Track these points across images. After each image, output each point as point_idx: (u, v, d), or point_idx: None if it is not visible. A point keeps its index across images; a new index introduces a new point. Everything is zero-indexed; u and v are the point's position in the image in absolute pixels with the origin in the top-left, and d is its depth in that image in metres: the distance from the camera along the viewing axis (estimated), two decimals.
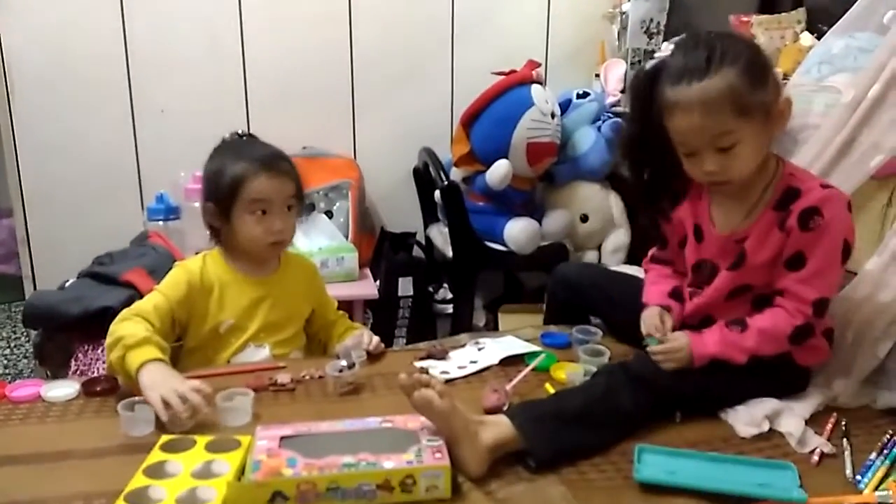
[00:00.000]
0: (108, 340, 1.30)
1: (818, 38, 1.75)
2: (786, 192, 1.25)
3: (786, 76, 1.75)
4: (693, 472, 1.06)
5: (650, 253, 1.52)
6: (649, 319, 1.33)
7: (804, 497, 1.00)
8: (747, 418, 1.21)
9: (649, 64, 1.30)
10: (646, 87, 1.27)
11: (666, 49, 1.29)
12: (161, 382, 1.20)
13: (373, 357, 1.47)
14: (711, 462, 1.10)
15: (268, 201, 1.40)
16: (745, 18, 1.96)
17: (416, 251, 2.64)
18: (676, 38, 1.28)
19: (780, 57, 1.84)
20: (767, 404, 1.22)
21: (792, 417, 1.20)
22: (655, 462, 1.09)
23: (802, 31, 1.86)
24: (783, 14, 1.91)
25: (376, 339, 1.51)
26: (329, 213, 2.45)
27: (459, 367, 1.44)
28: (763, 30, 1.90)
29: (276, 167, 1.41)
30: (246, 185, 1.39)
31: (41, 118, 2.43)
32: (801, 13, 1.90)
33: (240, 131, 1.51)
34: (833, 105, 1.62)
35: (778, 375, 1.26)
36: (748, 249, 1.28)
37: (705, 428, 1.21)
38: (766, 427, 1.19)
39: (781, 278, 1.25)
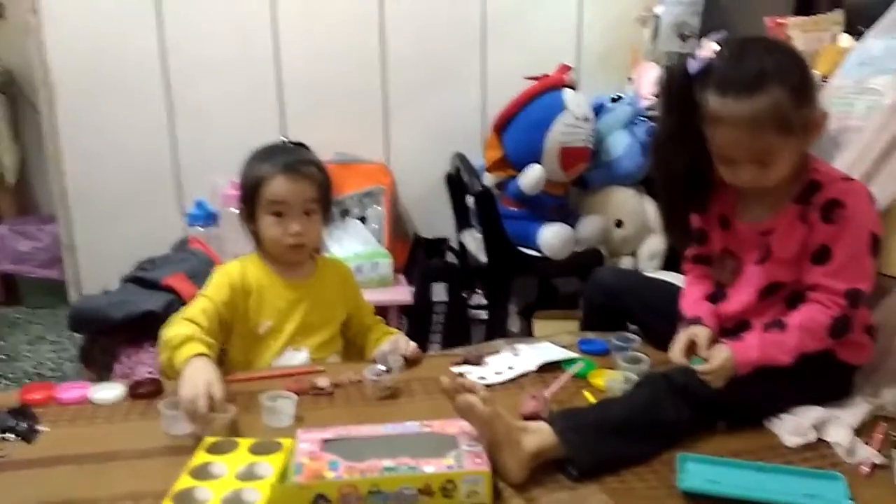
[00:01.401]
0: (159, 345, 1.34)
1: (857, 40, 1.73)
2: (808, 185, 1.25)
3: (824, 78, 1.72)
4: (737, 481, 1.05)
5: (688, 253, 1.50)
6: (678, 341, 1.30)
7: None
8: (793, 427, 1.19)
9: (690, 63, 1.28)
10: (683, 86, 1.25)
11: (706, 48, 1.27)
12: (196, 379, 1.21)
13: (410, 362, 1.48)
14: (757, 471, 1.08)
15: (284, 203, 1.42)
16: (780, 20, 1.94)
17: (450, 256, 2.65)
18: (719, 37, 1.26)
19: (818, 59, 1.81)
20: (814, 413, 1.20)
21: (840, 427, 1.18)
22: (699, 471, 1.07)
23: (840, 33, 1.83)
24: (820, 15, 1.89)
25: (413, 344, 1.52)
26: (363, 219, 2.47)
27: (496, 373, 1.44)
28: (800, 32, 1.87)
29: (295, 170, 1.43)
30: (264, 186, 1.42)
31: (84, 126, 2.50)
32: (838, 14, 1.87)
33: (284, 138, 1.53)
34: (874, 107, 1.59)
35: (822, 377, 1.24)
36: (773, 243, 1.28)
37: (750, 437, 1.19)
38: (812, 436, 1.17)
39: (810, 274, 1.24)
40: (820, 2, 2.00)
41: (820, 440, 1.18)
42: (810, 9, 1.96)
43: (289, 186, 1.42)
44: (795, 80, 1.17)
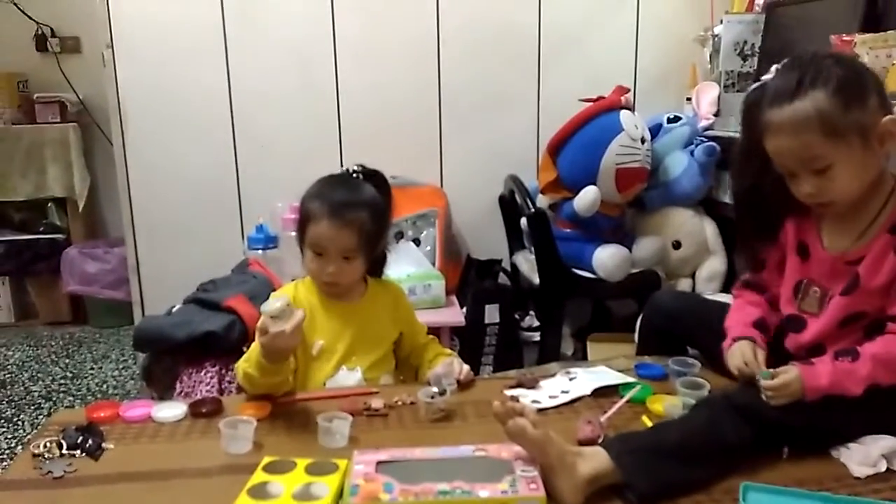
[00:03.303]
0: (239, 379, 1.43)
1: None
2: None
3: (893, 97, 1.67)
4: None
5: (742, 278, 1.49)
6: (739, 351, 1.30)
7: None
8: (862, 457, 1.14)
9: (753, 85, 1.31)
10: (750, 107, 1.28)
11: (772, 70, 1.28)
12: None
13: (463, 385, 1.48)
14: (823, 502, 1.04)
15: (324, 247, 1.45)
16: (846, 38, 1.88)
17: (502, 278, 2.65)
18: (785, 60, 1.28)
19: (888, 76, 1.75)
20: (884, 442, 1.15)
21: None
22: (762, 501, 1.04)
23: None
24: (889, 32, 1.83)
25: (466, 367, 1.51)
26: (417, 241, 2.49)
27: (550, 397, 1.42)
28: (867, 49, 1.82)
29: (339, 216, 1.43)
30: (310, 225, 1.45)
31: (151, 154, 2.60)
32: None
33: (356, 167, 1.53)
34: None
35: (893, 406, 1.19)
36: (862, 273, 1.23)
37: (815, 466, 1.15)
38: (882, 467, 1.12)
39: (894, 304, 1.20)
40: (889, 18, 1.93)
41: (890, 470, 1.12)
42: (879, 25, 1.89)
43: (329, 233, 1.43)
44: (838, 81, 1.15)
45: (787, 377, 1.18)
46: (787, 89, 1.18)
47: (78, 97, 3.34)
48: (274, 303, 1.28)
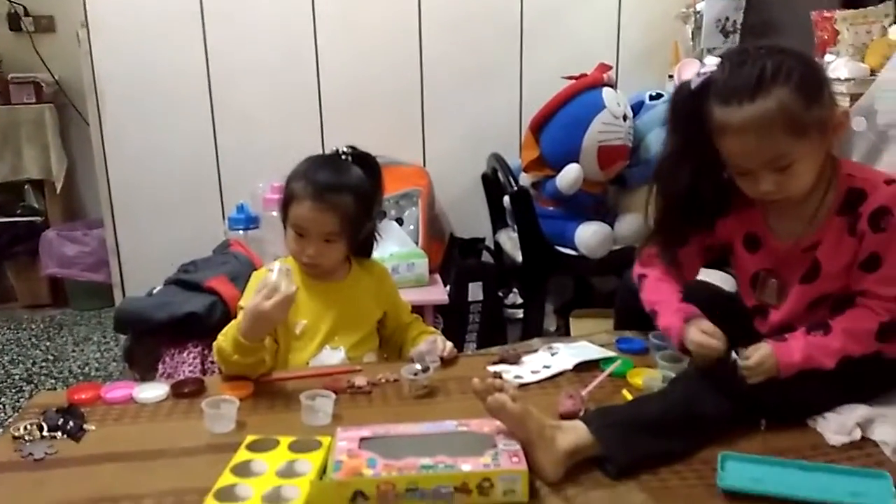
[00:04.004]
0: (215, 356, 1.41)
1: None
2: (848, 194, 1.21)
3: (873, 72, 1.68)
4: (780, 479, 1.03)
5: (646, 251, 1.42)
6: (697, 328, 1.23)
7: None
8: (837, 426, 1.16)
9: (692, 80, 1.23)
10: (689, 104, 1.22)
11: (709, 63, 1.24)
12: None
13: (446, 362, 1.48)
14: (800, 470, 1.05)
15: (305, 228, 1.44)
16: (827, 14, 1.89)
17: (486, 256, 2.65)
18: (723, 52, 1.24)
19: (867, 52, 1.77)
20: (859, 411, 1.17)
21: (886, 425, 1.14)
22: (740, 470, 1.05)
23: (891, 25, 1.79)
24: (869, 8, 1.84)
25: (450, 344, 1.52)
26: (400, 220, 2.48)
27: (533, 372, 1.43)
28: (848, 25, 1.83)
29: (322, 198, 1.41)
30: (293, 205, 1.44)
31: (129, 133, 2.57)
32: (889, 6, 1.82)
33: (345, 148, 1.51)
34: None
35: (869, 376, 1.21)
36: (822, 259, 1.23)
37: (792, 436, 1.17)
38: (857, 435, 1.14)
39: (859, 280, 1.21)
40: None
41: (865, 439, 1.14)
42: (858, 2, 1.90)
43: (312, 215, 1.42)
44: (799, 78, 1.12)
45: (761, 355, 1.18)
46: (745, 87, 1.12)
47: (53, 77, 3.28)
48: (277, 266, 1.31)
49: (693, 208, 1.31)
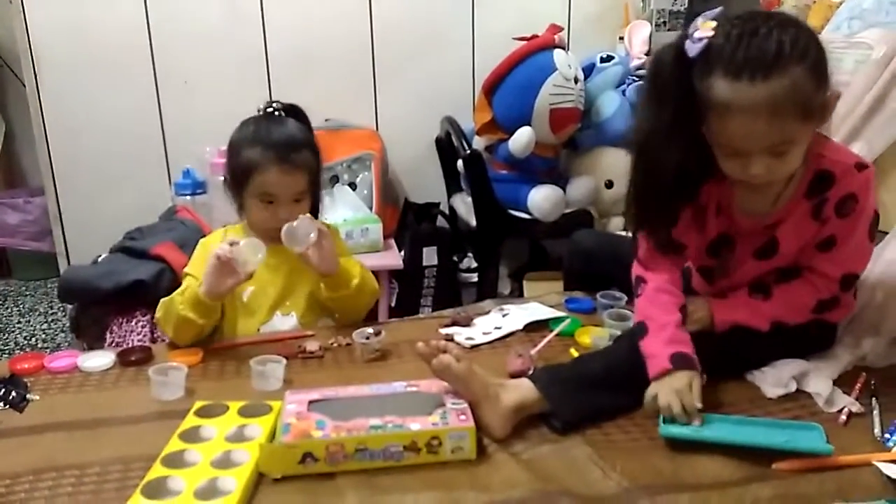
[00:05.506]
0: (158, 317, 1.41)
1: None
2: (817, 176, 1.15)
3: (817, 32, 1.71)
4: (719, 428, 1.06)
5: (645, 248, 1.28)
6: (671, 389, 1.09)
7: (830, 448, 1.00)
8: (774, 379, 1.20)
9: (688, 46, 1.07)
10: (677, 74, 1.08)
11: (704, 27, 1.07)
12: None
13: (399, 325, 1.49)
14: (736, 424, 1.09)
15: (275, 194, 1.41)
16: None
17: (440, 221, 2.65)
18: (716, 15, 1.07)
19: (810, 13, 1.80)
20: (795, 365, 1.22)
21: (820, 378, 1.19)
22: (680, 424, 1.09)
23: None
24: None
25: (322, 227, 1.42)
26: (353, 185, 2.46)
27: (484, 333, 1.45)
28: None
29: (288, 160, 1.40)
30: (256, 175, 1.40)
31: (68, 97, 2.46)
32: None
33: (274, 104, 1.48)
34: (863, 61, 1.58)
35: (804, 333, 1.25)
36: (780, 238, 1.21)
37: (731, 390, 1.21)
38: (793, 387, 1.19)
39: (811, 257, 1.22)
40: None
41: (800, 391, 1.19)
42: None
43: (282, 179, 1.40)
44: (814, 58, 1.02)
45: (695, 305, 1.21)
46: (760, 61, 1.00)
47: None
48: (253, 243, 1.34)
49: (680, 184, 1.18)
